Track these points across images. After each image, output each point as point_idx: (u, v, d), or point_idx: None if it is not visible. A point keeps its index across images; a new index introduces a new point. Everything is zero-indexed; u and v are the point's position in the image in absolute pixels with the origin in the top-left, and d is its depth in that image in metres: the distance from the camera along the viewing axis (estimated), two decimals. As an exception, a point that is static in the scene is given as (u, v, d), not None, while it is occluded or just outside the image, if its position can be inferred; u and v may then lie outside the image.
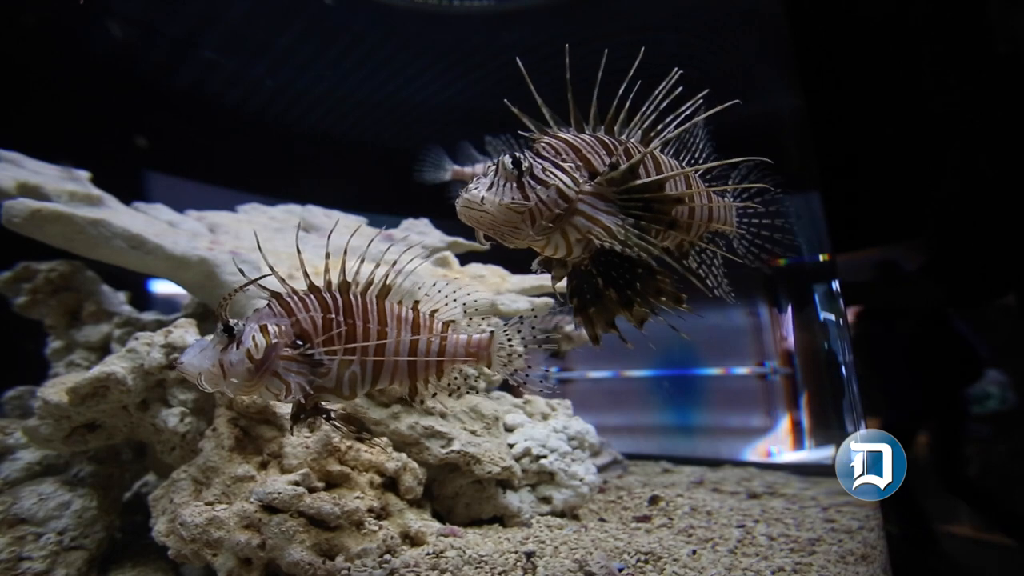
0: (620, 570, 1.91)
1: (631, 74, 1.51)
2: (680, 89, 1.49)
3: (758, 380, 3.94)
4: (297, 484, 1.94)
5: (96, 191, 2.66)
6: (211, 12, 3.57)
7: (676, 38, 3.07)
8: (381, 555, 1.95)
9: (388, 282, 1.72)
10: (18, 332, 2.78)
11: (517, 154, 1.43)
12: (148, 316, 2.91)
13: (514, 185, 1.42)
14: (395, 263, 1.72)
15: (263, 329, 1.55)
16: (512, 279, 3.16)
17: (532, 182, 1.43)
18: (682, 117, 1.49)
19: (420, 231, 3.43)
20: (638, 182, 1.48)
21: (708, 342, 4.16)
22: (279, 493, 1.90)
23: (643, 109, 1.54)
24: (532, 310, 1.75)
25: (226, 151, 3.88)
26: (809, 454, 3.66)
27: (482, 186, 1.44)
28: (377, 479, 2.18)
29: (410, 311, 1.74)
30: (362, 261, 1.68)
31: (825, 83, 2.64)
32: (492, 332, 1.77)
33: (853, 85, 2.56)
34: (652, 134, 1.55)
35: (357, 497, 2.04)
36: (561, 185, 1.45)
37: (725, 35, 3.09)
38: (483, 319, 1.82)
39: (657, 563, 1.98)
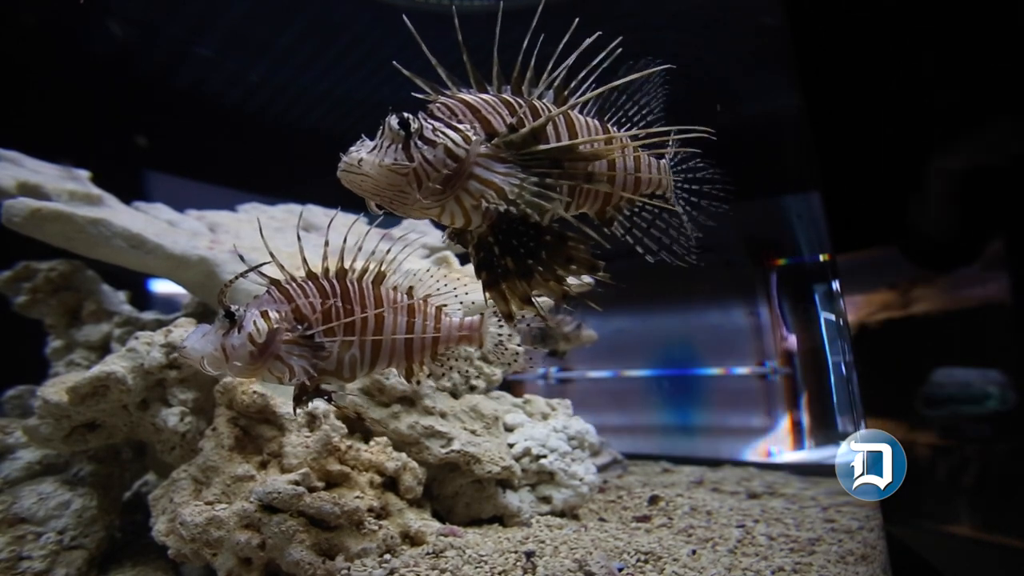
0: (620, 570, 1.91)
1: (533, 24, 1.37)
2: (593, 38, 1.34)
3: (758, 380, 3.94)
4: (297, 484, 1.94)
5: (96, 190, 2.67)
6: (211, 12, 3.57)
7: (676, 38, 3.07)
8: (381, 555, 1.95)
9: (383, 269, 1.75)
10: (18, 332, 2.78)
11: (405, 114, 1.31)
12: (148, 316, 2.91)
13: (399, 147, 1.30)
14: (389, 251, 1.75)
15: (264, 314, 1.57)
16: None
17: (419, 143, 1.30)
18: (597, 74, 1.36)
19: (420, 230, 3.43)
20: (541, 147, 1.36)
21: (708, 342, 4.16)
22: (279, 493, 1.90)
23: (549, 67, 1.39)
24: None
25: (226, 151, 3.88)
26: (809, 454, 3.67)
27: (364, 148, 1.32)
28: (377, 479, 2.18)
29: (404, 296, 1.78)
30: (360, 249, 1.70)
31: (825, 83, 2.64)
32: (482, 314, 1.82)
33: (853, 85, 2.56)
34: (566, 93, 1.43)
35: (357, 497, 2.04)
36: (449, 144, 1.31)
37: (725, 35, 3.10)
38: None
39: (657, 563, 1.98)
